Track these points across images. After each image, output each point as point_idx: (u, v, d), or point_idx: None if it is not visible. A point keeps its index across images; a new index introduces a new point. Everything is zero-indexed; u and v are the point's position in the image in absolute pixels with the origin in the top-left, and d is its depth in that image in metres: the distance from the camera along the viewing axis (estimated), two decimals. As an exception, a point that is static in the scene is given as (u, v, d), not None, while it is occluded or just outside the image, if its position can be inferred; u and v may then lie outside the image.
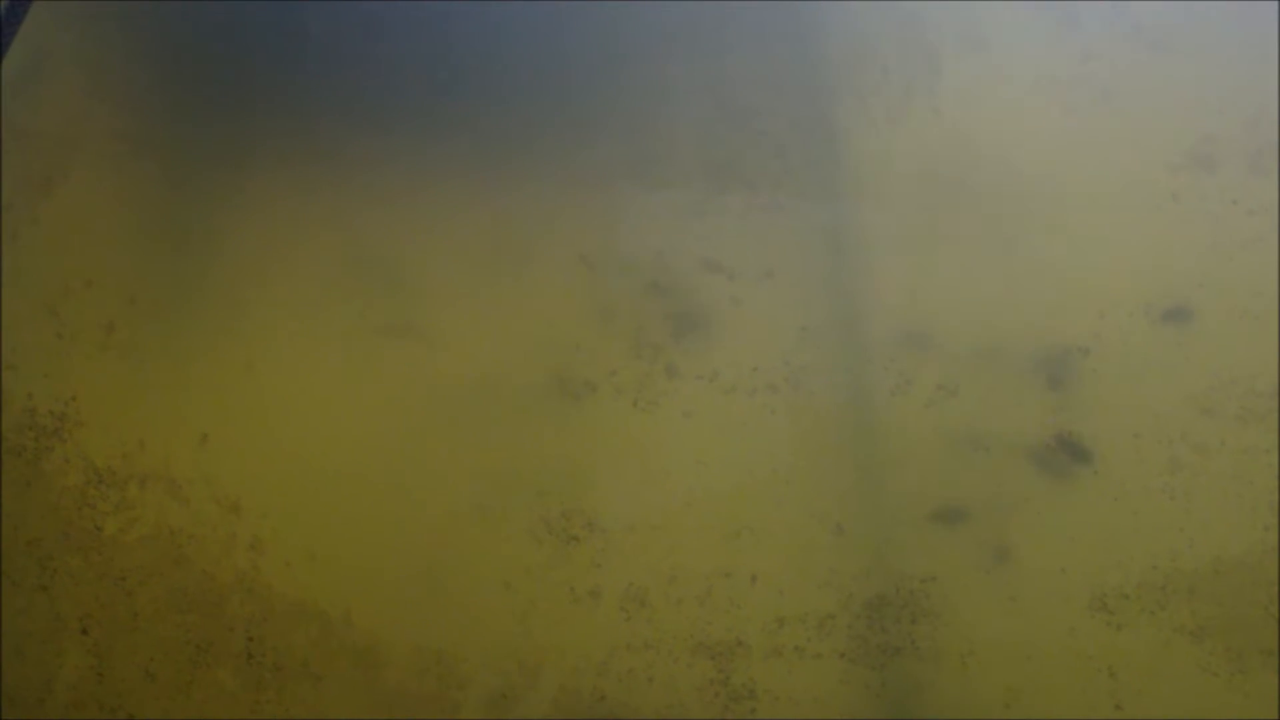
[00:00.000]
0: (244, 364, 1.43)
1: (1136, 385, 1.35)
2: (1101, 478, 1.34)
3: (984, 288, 1.39)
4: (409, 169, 1.45)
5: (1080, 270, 1.37)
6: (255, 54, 1.49)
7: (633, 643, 1.36)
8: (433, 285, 1.43)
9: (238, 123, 1.47)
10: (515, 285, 1.42)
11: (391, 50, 1.47)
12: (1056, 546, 1.34)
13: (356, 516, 1.39)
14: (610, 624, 1.36)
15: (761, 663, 1.35)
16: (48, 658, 1.39)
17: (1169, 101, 1.38)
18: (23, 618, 1.40)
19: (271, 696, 1.37)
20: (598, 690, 1.36)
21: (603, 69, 1.45)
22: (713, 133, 1.43)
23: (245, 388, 1.42)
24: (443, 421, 1.41)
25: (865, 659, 1.34)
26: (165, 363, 1.43)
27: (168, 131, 1.48)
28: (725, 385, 1.39)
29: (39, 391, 1.43)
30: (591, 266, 1.42)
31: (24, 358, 1.44)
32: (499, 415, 1.40)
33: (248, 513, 1.40)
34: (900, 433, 1.37)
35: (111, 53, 1.50)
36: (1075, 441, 1.35)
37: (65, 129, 1.48)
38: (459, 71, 1.47)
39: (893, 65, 1.41)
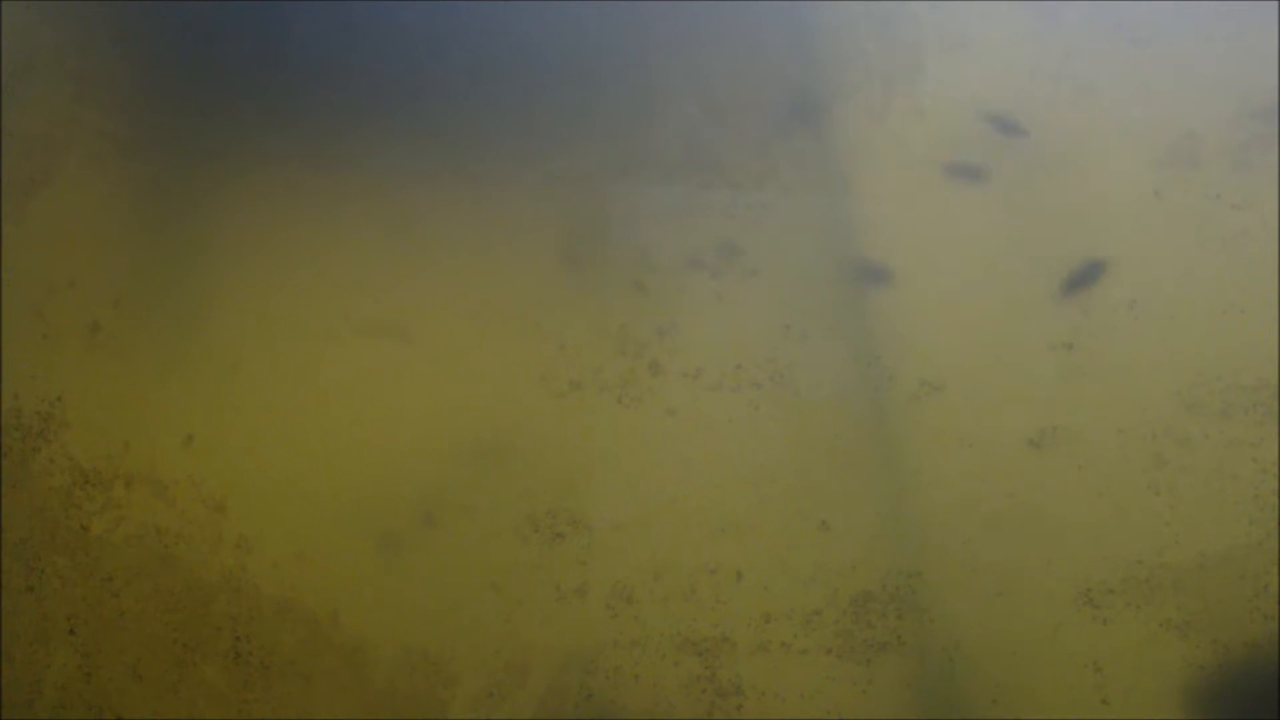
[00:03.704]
0: (229, 364, 1.43)
1: (1121, 380, 1.35)
2: (1086, 473, 1.34)
3: (968, 283, 1.39)
4: (393, 168, 1.45)
5: (1066, 266, 1.38)
6: (239, 56, 1.49)
7: (619, 640, 1.36)
8: (417, 284, 1.43)
9: (222, 123, 1.47)
10: (499, 283, 1.43)
11: (374, 51, 1.47)
12: (1042, 541, 1.34)
13: (342, 516, 1.39)
14: (596, 621, 1.36)
15: (748, 659, 1.35)
16: (35, 658, 1.40)
17: (1151, 98, 1.38)
18: (10, 618, 1.40)
19: (259, 696, 1.37)
20: (585, 688, 1.36)
21: (586, 67, 1.45)
22: (696, 131, 1.43)
23: (230, 388, 1.42)
24: (427, 421, 1.41)
25: (852, 655, 1.35)
26: (150, 363, 1.43)
27: (152, 132, 1.48)
28: (709, 382, 1.39)
29: (24, 392, 1.43)
30: (575, 264, 1.42)
31: (9, 358, 1.44)
32: (483, 414, 1.40)
33: (234, 512, 1.40)
34: (885, 429, 1.37)
35: (97, 54, 1.50)
36: (1058, 435, 1.36)
37: (50, 130, 1.48)
38: (442, 71, 1.47)
39: (875, 64, 1.42)
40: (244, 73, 1.48)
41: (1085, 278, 1.37)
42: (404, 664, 1.37)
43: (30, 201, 1.47)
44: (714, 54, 1.43)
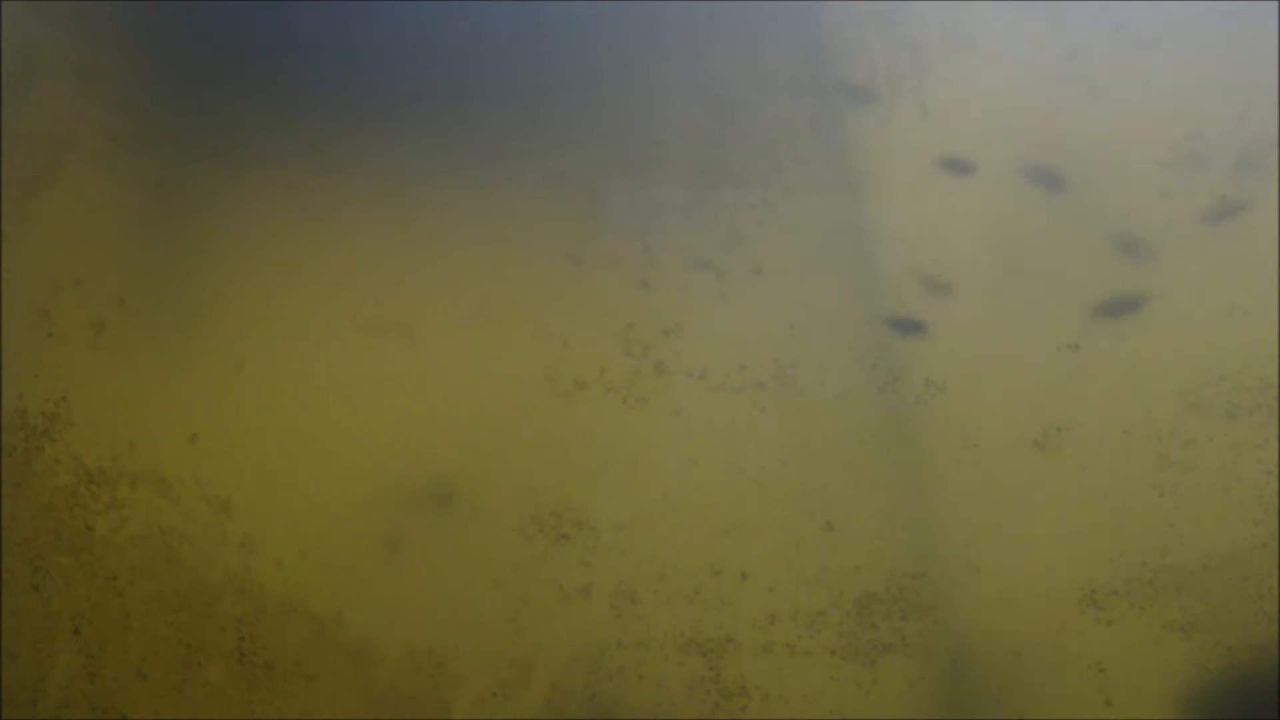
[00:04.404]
0: (233, 363, 1.43)
1: (1125, 381, 1.35)
2: (1090, 474, 1.34)
3: (973, 284, 1.39)
4: (398, 167, 1.45)
5: (1069, 266, 1.38)
6: (243, 54, 1.49)
7: (623, 640, 1.36)
8: (421, 284, 1.43)
9: (227, 122, 1.47)
10: (503, 283, 1.42)
11: (379, 49, 1.47)
12: (1046, 543, 1.34)
13: (347, 515, 1.39)
14: (601, 622, 1.36)
15: (752, 660, 1.35)
16: (40, 658, 1.40)
17: (1156, 98, 1.38)
18: (14, 618, 1.40)
19: (263, 696, 1.38)
20: (589, 688, 1.36)
21: (591, 66, 1.45)
22: (700, 130, 1.43)
23: (235, 387, 1.42)
24: (432, 420, 1.41)
25: (856, 656, 1.35)
26: (155, 362, 1.43)
27: (157, 130, 1.48)
28: (714, 383, 1.39)
29: (29, 392, 1.43)
30: (580, 263, 1.42)
31: (14, 358, 1.44)
32: (488, 413, 1.40)
33: (238, 512, 1.40)
34: (889, 429, 1.37)
35: (101, 52, 1.50)
36: (1062, 436, 1.36)
37: (54, 128, 1.48)
38: (447, 70, 1.47)
39: (880, 63, 1.41)
40: (248, 71, 1.48)
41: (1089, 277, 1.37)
42: (408, 664, 1.37)
43: (33, 200, 1.47)
44: (719, 52, 1.43)
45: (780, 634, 1.35)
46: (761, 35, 1.43)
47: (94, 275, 1.46)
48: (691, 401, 1.39)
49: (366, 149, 1.46)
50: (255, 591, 1.39)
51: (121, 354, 1.44)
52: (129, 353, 1.44)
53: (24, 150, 1.48)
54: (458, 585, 1.38)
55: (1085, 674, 1.33)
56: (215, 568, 1.39)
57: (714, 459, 1.38)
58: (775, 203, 1.41)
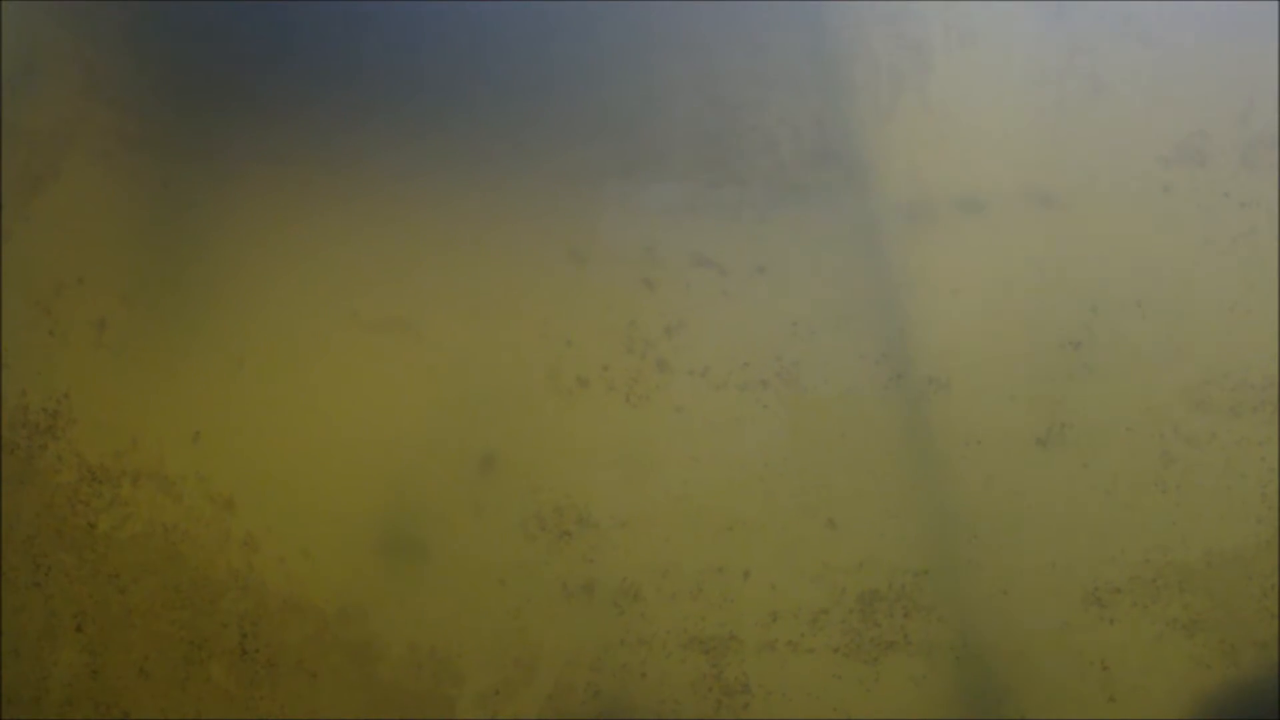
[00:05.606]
0: (236, 361, 1.43)
1: (1128, 378, 1.35)
2: (1093, 471, 1.34)
3: (976, 282, 1.39)
4: (401, 165, 1.45)
5: (1072, 264, 1.38)
6: (247, 52, 1.49)
7: (626, 638, 1.36)
8: (424, 281, 1.43)
9: (230, 120, 1.47)
10: (506, 281, 1.43)
11: (382, 48, 1.47)
12: (1049, 540, 1.34)
13: (349, 513, 1.39)
14: (603, 619, 1.37)
15: (755, 657, 1.35)
16: (43, 655, 1.40)
17: (1159, 94, 1.38)
18: (17, 615, 1.40)
19: (266, 693, 1.38)
20: (592, 685, 1.36)
21: (593, 64, 1.45)
22: (703, 128, 1.43)
23: (237, 385, 1.42)
24: (435, 417, 1.41)
25: (858, 653, 1.35)
26: (157, 360, 1.43)
27: (160, 129, 1.48)
28: (717, 380, 1.39)
29: (32, 389, 1.43)
30: (582, 261, 1.42)
31: (17, 355, 1.44)
32: (491, 411, 1.40)
33: (241, 509, 1.40)
34: (892, 426, 1.37)
35: (104, 50, 1.50)
36: (1065, 433, 1.36)
37: (57, 126, 1.48)
38: (450, 68, 1.47)
39: (883, 60, 1.41)
40: (251, 69, 1.48)
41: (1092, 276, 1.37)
42: (411, 661, 1.37)
43: (37, 197, 1.47)
44: (722, 51, 1.43)
45: (783, 631, 1.35)
46: (765, 34, 1.43)
47: (96, 273, 1.46)
48: (694, 399, 1.39)
49: (369, 147, 1.46)
50: (258, 589, 1.39)
51: (124, 351, 1.44)
52: (131, 350, 1.44)
53: (27, 148, 1.48)
54: (460, 583, 1.38)
55: (1088, 671, 1.33)
56: (218, 565, 1.39)
57: (716, 456, 1.38)
58: (778, 200, 1.41)
